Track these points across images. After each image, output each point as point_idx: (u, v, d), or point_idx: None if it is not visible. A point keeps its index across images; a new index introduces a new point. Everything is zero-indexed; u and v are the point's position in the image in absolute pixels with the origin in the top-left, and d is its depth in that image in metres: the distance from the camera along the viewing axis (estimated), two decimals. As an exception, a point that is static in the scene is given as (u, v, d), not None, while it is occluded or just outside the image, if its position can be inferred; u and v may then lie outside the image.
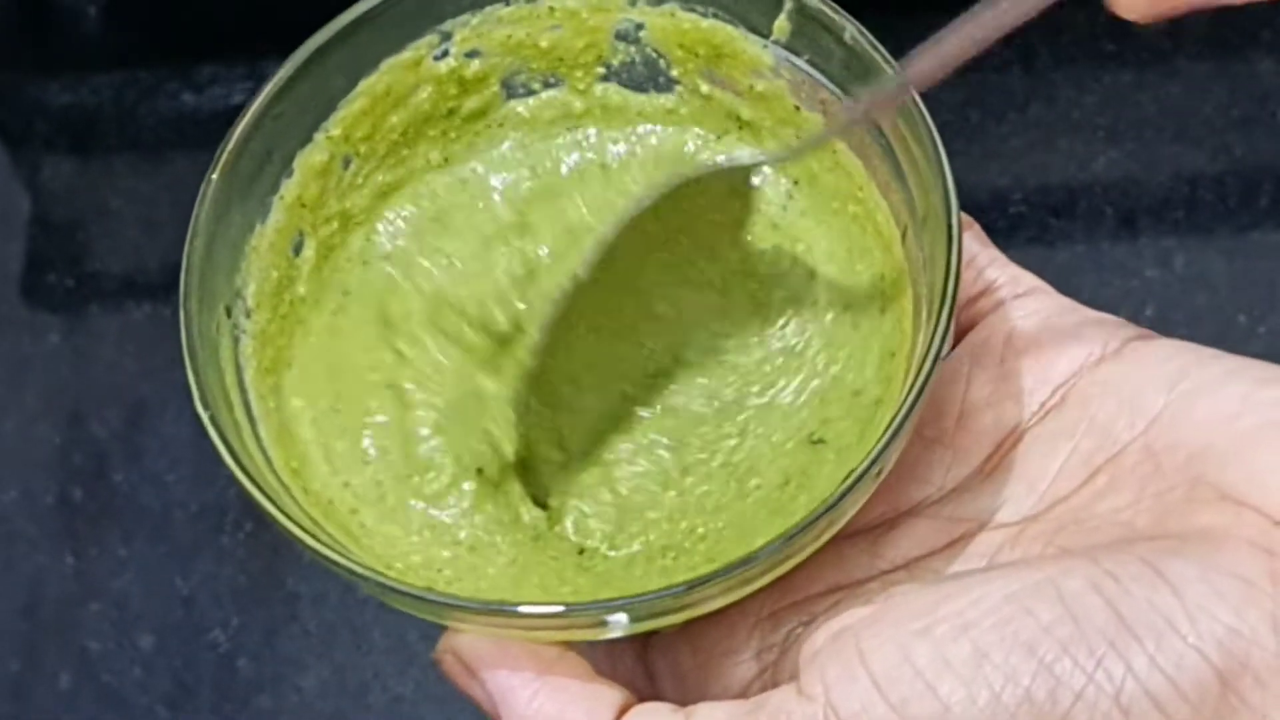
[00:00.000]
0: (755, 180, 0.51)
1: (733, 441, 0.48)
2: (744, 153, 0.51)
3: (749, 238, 0.51)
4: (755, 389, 0.49)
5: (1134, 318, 0.76)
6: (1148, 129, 0.82)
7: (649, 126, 0.53)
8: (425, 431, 0.49)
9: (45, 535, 0.79)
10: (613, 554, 0.47)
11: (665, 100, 0.53)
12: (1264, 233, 0.79)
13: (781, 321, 0.50)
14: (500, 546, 0.48)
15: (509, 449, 0.48)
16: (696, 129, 0.53)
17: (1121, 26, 0.85)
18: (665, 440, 0.49)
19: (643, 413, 0.50)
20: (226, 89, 0.89)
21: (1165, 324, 0.77)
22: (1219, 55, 0.84)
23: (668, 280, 0.51)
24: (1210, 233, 0.79)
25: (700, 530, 0.47)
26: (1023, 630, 0.39)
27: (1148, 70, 0.83)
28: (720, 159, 0.51)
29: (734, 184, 0.51)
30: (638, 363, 0.50)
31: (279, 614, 0.76)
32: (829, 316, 0.49)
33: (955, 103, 0.82)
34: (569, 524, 0.48)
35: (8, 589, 0.78)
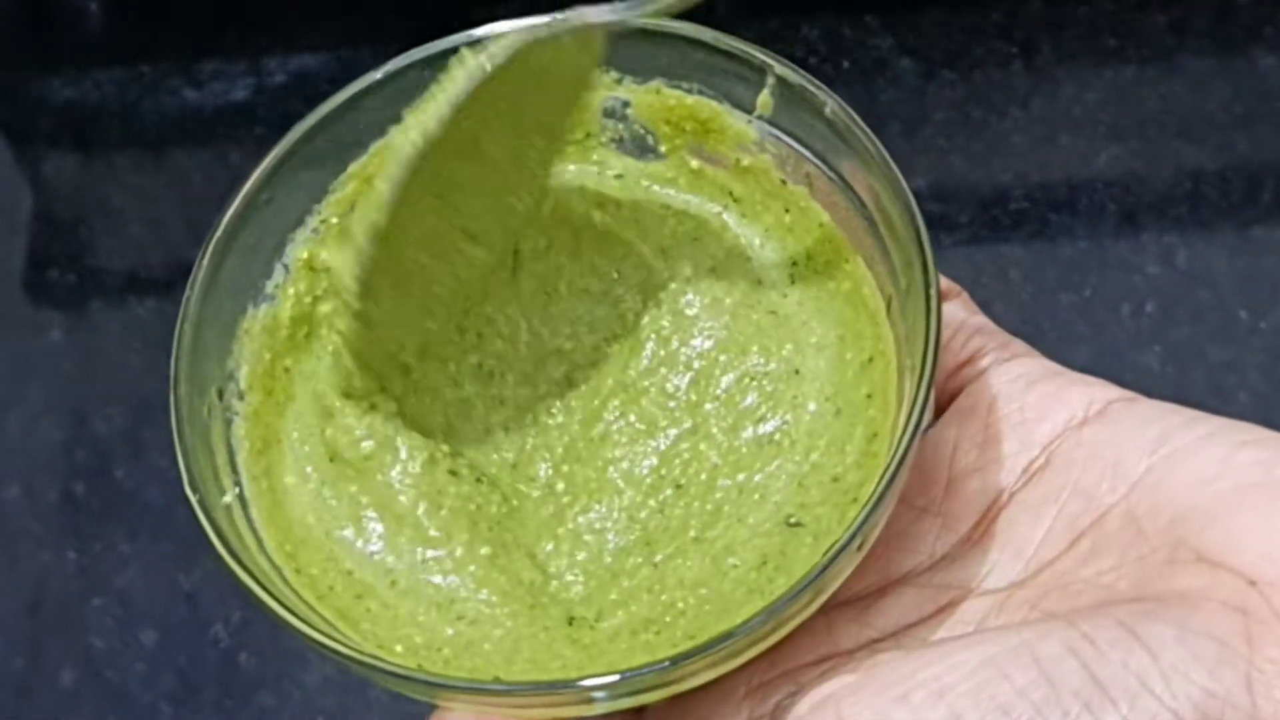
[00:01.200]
0: (756, 263, 0.52)
1: (706, 519, 0.49)
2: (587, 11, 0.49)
3: (741, 330, 0.51)
4: (728, 472, 0.49)
5: (1136, 314, 0.76)
6: (1150, 125, 0.82)
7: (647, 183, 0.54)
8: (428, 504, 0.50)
9: (48, 532, 0.79)
10: (599, 625, 0.47)
11: (659, 167, 0.54)
12: (1266, 229, 0.79)
13: (762, 413, 0.50)
14: (499, 618, 0.48)
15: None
16: (690, 196, 0.54)
17: (1124, 22, 0.86)
18: (638, 514, 0.49)
19: (616, 481, 0.50)
20: (228, 85, 0.89)
21: (1167, 320, 0.77)
22: (1221, 51, 0.84)
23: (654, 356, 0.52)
24: (1212, 229, 0.79)
25: (680, 605, 0.47)
26: (998, 694, 0.39)
27: (1150, 66, 0.83)
28: (565, 15, 0.49)
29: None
30: (609, 429, 0.51)
31: (281, 610, 0.76)
32: (811, 407, 0.49)
33: (957, 99, 0.82)
34: (560, 583, 0.48)
35: (11, 586, 0.78)
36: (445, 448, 0.50)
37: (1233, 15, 0.84)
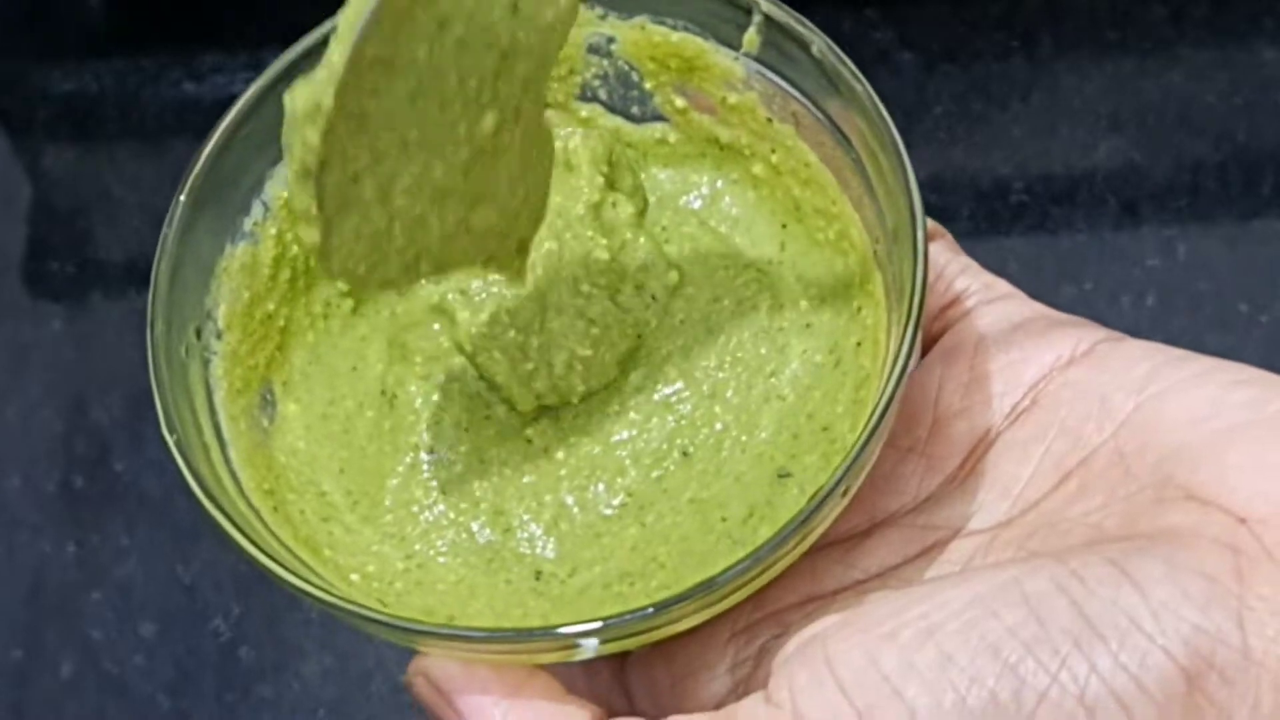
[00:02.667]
0: (750, 224, 0.52)
1: (707, 480, 0.48)
2: None
3: (744, 298, 0.51)
4: (737, 433, 0.49)
5: (1136, 306, 0.76)
6: (1150, 117, 0.82)
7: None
8: (412, 439, 0.50)
9: (47, 523, 0.79)
10: (570, 580, 0.47)
11: (655, 130, 0.54)
12: (1266, 221, 0.79)
13: (773, 368, 0.50)
14: (452, 566, 0.48)
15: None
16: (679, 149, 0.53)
17: (1124, 14, 0.86)
18: (637, 487, 0.49)
19: (617, 451, 0.50)
20: (228, 77, 0.89)
21: (1167, 312, 0.77)
22: (1222, 42, 0.84)
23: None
24: (1212, 221, 0.79)
25: (660, 559, 0.47)
26: (988, 632, 0.39)
27: (1150, 58, 0.83)
28: None
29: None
30: (615, 391, 0.50)
31: (280, 602, 0.76)
32: (818, 360, 0.49)
33: (957, 91, 0.82)
34: (528, 544, 0.48)
35: (10, 576, 0.78)
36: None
37: (1232, 6, 0.84)
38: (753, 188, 0.53)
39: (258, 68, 0.89)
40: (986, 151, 0.81)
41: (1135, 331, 0.75)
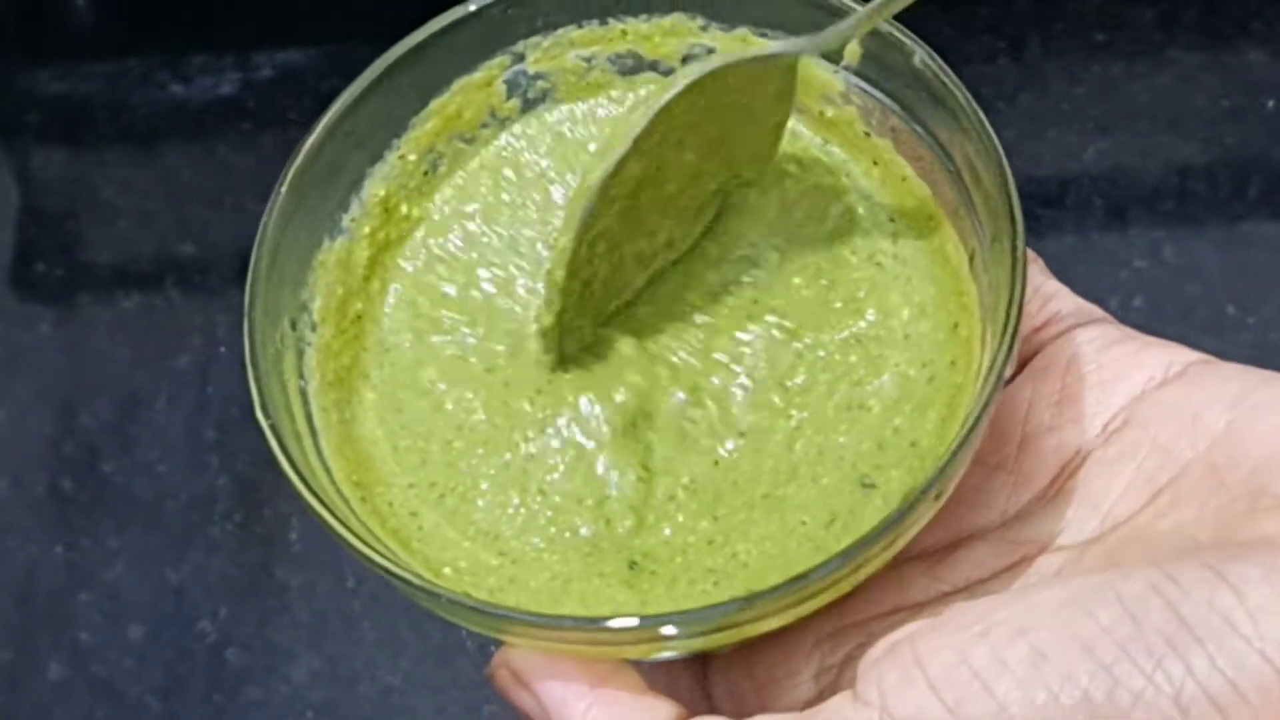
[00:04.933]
0: (865, 223, 0.51)
1: (780, 478, 0.48)
2: (774, 45, 0.50)
3: (863, 282, 0.50)
4: (811, 434, 0.48)
5: (1124, 308, 0.76)
6: (1138, 119, 0.82)
7: None
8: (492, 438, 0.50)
9: (36, 526, 0.79)
10: (657, 572, 0.47)
11: None
12: (1254, 223, 0.79)
13: (860, 376, 0.49)
14: (548, 561, 0.47)
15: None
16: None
17: (1112, 17, 0.86)
18: (709, 470, 0.49)
19: (694, 437, 0.49)
20: (216, 79, 0.89)
21: (1155, 315, 0.77)
22: (1210, 46, 0.84)
23: (745, 315, 0.51)
24: (1201, 223, 0.80)
25: (742, 558, 0.47)
26: (1081, 631, 0.38)
27: (1138, 61, 0.84)
28: (752, 52, 0.49)
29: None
30: (699, 387, 0.50)
31: (269, 605, 0.76)
32: (911, 373, 0.49)
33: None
34: (623, 528, 0.48)
35: (-2, 579, 0.78)
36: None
37: (1221, 9, 0.84)
38: (863, 184, 0.52)
39: (246, 69, 0.89)
40: (975, 154, 0.81)
41: (1123, 334, 0.75)
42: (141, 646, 0.76)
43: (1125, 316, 0.76)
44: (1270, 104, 0.82)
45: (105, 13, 0.93)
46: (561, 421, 0.49)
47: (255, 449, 0.79)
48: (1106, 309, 0.76)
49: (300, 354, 0.49)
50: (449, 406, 0.50)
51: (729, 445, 0.49)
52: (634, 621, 0.42)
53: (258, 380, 0.46)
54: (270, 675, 0.74)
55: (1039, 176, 0.81)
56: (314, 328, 0.50)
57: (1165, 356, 0.46)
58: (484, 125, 0.53)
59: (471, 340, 0.51)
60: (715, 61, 0.48)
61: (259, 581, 0.76)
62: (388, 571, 0.43)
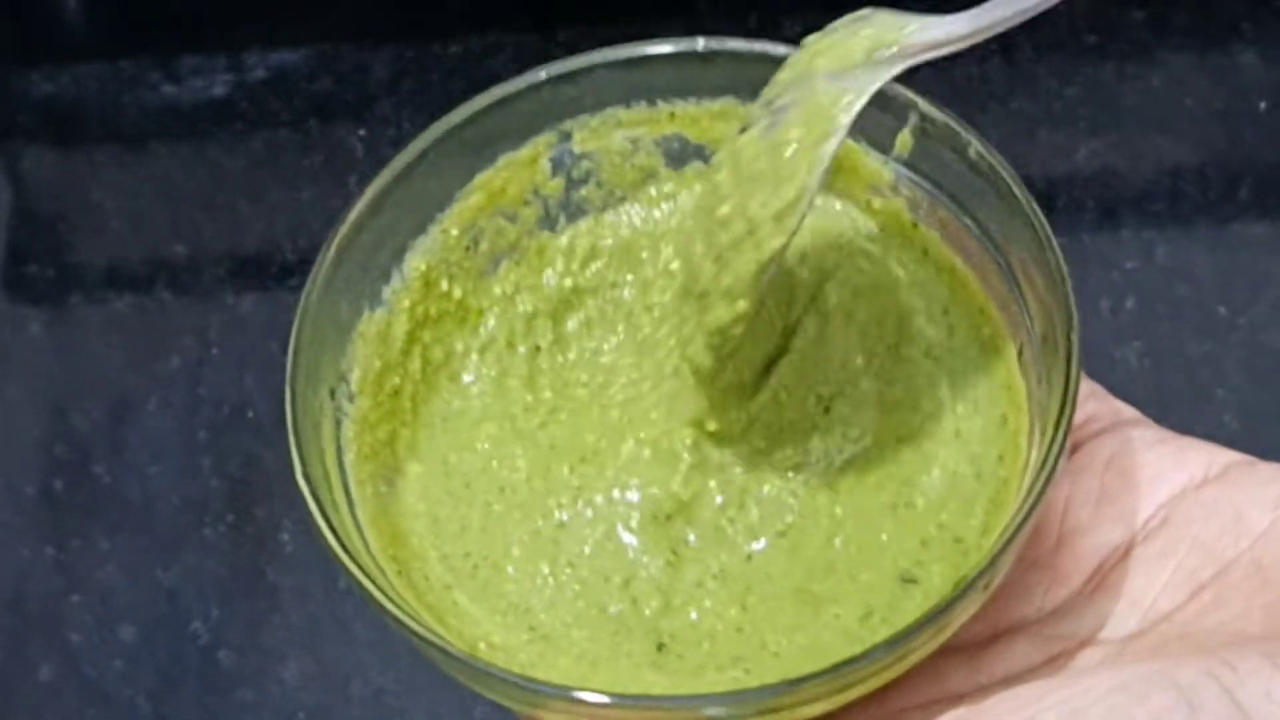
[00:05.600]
0: (920, 318, 0.51)
1: (816, 574, 0.48)
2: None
3: (919, 375, 0.50)
4: (852, 531, 0.48)
5: (1116, 310, 0.76)
6: (1129, 121, 0.82)
7: None
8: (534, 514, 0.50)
9: (27, 527, 0.79)
10: (685, 656, 0.47)
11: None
12: (1245, 225, 0.79)
13: (909, 474, 0.49)
14: (576, 639, 0.47)
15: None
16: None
17: (1103, 18, 0.86)
18: (741, 562, 0.48)
19: (729, 536, 0.49)
20: (208, 80, 0.89)
21: (1147, 315, 0.77)
22: (1200, 47, 0.84)
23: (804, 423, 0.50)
24: (1192, 225, 0.80)
25: (772, 647, 0.46)
26: (1134, 717, 0.38)
27: (1129, 62, 0.84)
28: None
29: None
30: (746, 492, 0.50)
31: (261, 606, 0.75)
32: (959, 471, 0.48)
33: (937, 95, 0.82)
34: (650, 610, 0.48)
35: (-11, 581, 0.78)
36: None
37: (1211, 11, 0.85)
38: (922, 273, 0.52)
39: (237, 70, 0.89)
40: (966, 155, 0.81)
41: (1115, 335, 0.76)
42: (133, 648, 0.76)
43: (1117, 317, 0.76)
44: (1261, 105, 0.82)
45: (96, 13, 0.93)
46: (598, 497, 0.49)
47: (247, 451, 0.79)
48: (1098, 311, 0.77)
49: (338, 424, 0.49)
50: (494, 464, 0.50)
51: (762, 544, 0.48)
52: (681, 700, 0.42)
53: (299, 445, 0.46)
54: (262, 677, 0.74)
55: (1030, 177, 0.80)
56: (352, 398, 0.50)
57: (1205, 457, 0.46)
58: (526, 203, 0.53)
59: (529, 398, 0.52)
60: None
61: (251, 583, 0.76)
62: (429, 643, 0.43)
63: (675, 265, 0.52)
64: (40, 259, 0.86)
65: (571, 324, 0.53)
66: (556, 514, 0.49)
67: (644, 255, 0.53)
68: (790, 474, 0.49)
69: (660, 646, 0.47)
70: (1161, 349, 0.76)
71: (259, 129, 0.87)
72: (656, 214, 0.54)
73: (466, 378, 0.52)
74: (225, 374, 0.81)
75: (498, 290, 0.53)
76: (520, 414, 0.51)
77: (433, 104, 0.86)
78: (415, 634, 0.43)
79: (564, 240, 0.53)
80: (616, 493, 0.49)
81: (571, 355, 0.52)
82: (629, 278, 0.53)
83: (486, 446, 0.51)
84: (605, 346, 0.52)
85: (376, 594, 0.43)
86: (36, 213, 0.88)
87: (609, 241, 0.54)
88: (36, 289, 0.86)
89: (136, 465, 0.80)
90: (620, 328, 0.53)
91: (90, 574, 0.77)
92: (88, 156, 0.90)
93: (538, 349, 0.52)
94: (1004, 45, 0.84)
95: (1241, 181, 0.80)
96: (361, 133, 0.86)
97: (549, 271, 0.53)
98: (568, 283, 0.53)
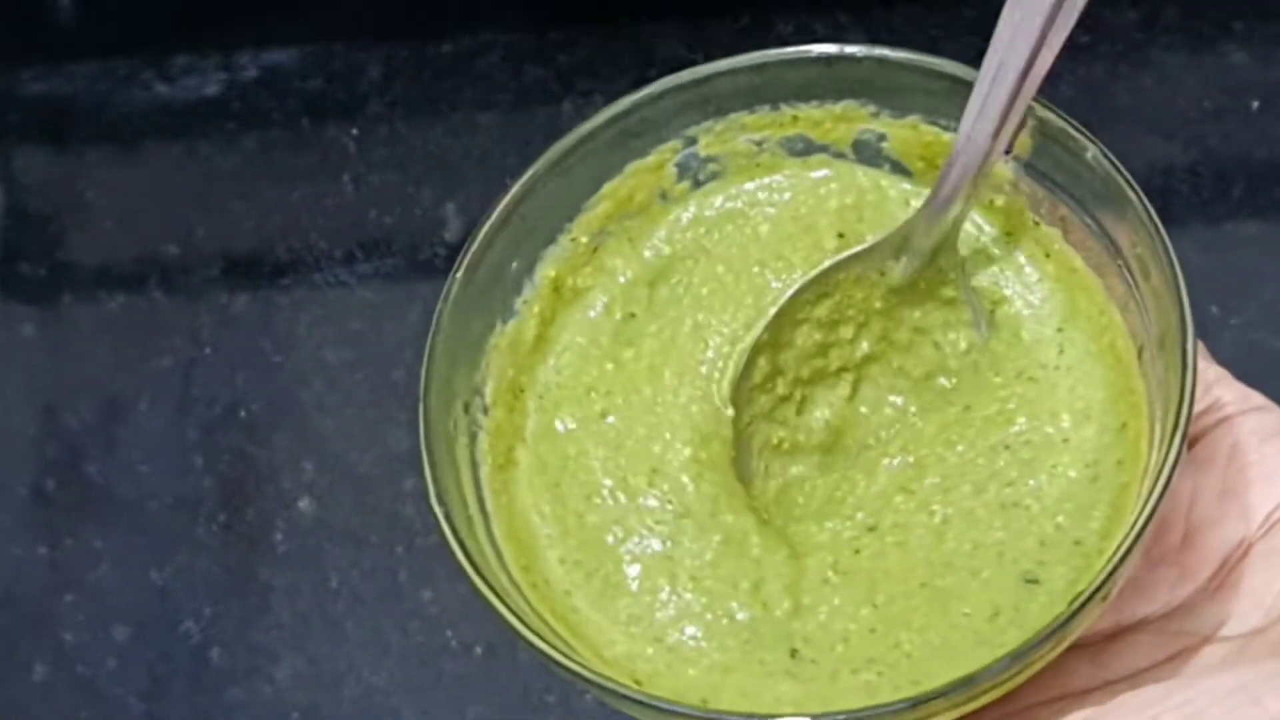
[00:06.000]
0: (1025, 334, 0.51)
1: (936, 570, 0.48)
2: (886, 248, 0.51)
3: (1011, 397, 0.50)
4: (960, 529, 0.49)
5: (1107, 309, 0.76)
6: (1121, 120, 0.82)
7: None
8: (650, 524, 0.50)
9: (19, 527, 0.79)
10: (819, 661, 0.47)
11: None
12: (1237, 224, 0.79)
13: (1012, 478, 0.49)
14: (706, 649, 0.47)
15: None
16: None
17: (1095, 17, 0.86)
18: (861, 557, 0.49)
19: (845, 525, 0.50)
20: (200, 79, 0.89)
21: (1138, 315, 0.77)
22: (1192, 47, 0.84)
23: (921, 434, 0.51)
24: (1184, 224, 0.80)
25: (905, 647, 0.47)
26: (1253, 718, 0.39)
27: (1121, 62, 0.84)
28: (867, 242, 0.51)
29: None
30: (856, 489, 0.51)
31: (253, 605, 0.76)
32: (1072, 474, 0.48)
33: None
34: (782, 613, 0.48)
35: (-19, 581, 0.78)
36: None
37: (1203, 11, 0.85)
38: (1028, 287, 0.52)
39: (230, 69, 0.89)
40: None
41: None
42: (125, 647, 0.76)
43: (1108, 317, 0.76)
44: (1253, 105, 0.82)
45: (89, 12, 0.93)
46: (690, 511, 0.50)
47: (239, 450, 0.79)
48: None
49: (473, 437, 0.50)
50: (573, 464, 0.51)
51: (866, 538, 0.49)
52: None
53: (434, 469, 0.46)
54: (254, 676, 0.74)
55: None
56: (486, 410, 0.50)
57: None
58: (652, 204, 0.54)
59: (621, 403, 0.52)
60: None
61: (243, 582, 0.76)
62: (553, 661, 0.43)
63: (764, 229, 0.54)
64: (32, 258, 0.86)
65: (664, 290, 0.54)
66: (656, 530, 0.50)
67: (741, 221, 0.54)
68: (877, 475, 0.50)
69: (794, 652, 0.47)
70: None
71: (251, 128, 0.87)
72: (767, 186, 0.55)
73: (560, 351, 0.53)
74: (217, 373, 0.81)
75: (608, 265, 0.54)
76: (584, 396, 0.52)
77: (425, 103, 0.86)
78: (549, 658, 0.43)
79: (673, 212, 0.55)
80: (706, 503, 0.50)
81: (653, 325, 0.53)
82: (718, 238, 0.54)
83: (564, 437, 0.51)
84: (687, 312, 0.53)
85: (506, 613, 0.44)
86: (29, 212, 0.88)
87: (712, 211, 0.55)
88: (29, 288, 0.86)
89: (129, 464, 0.80)
90: (705, 291, 0.53)
91: (83, 573, 0.77)
92: (80, 155, 0.89)
93: (632, 315, 0.53)
94: (996, 44, 0.84)
95: (1233, 181, 0.80)
96: (354, 132, 0.86)
97: (652, 241, 0.54)
98: (666, 250, 0.54)
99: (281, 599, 0.76)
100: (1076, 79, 0.83)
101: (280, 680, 0.74)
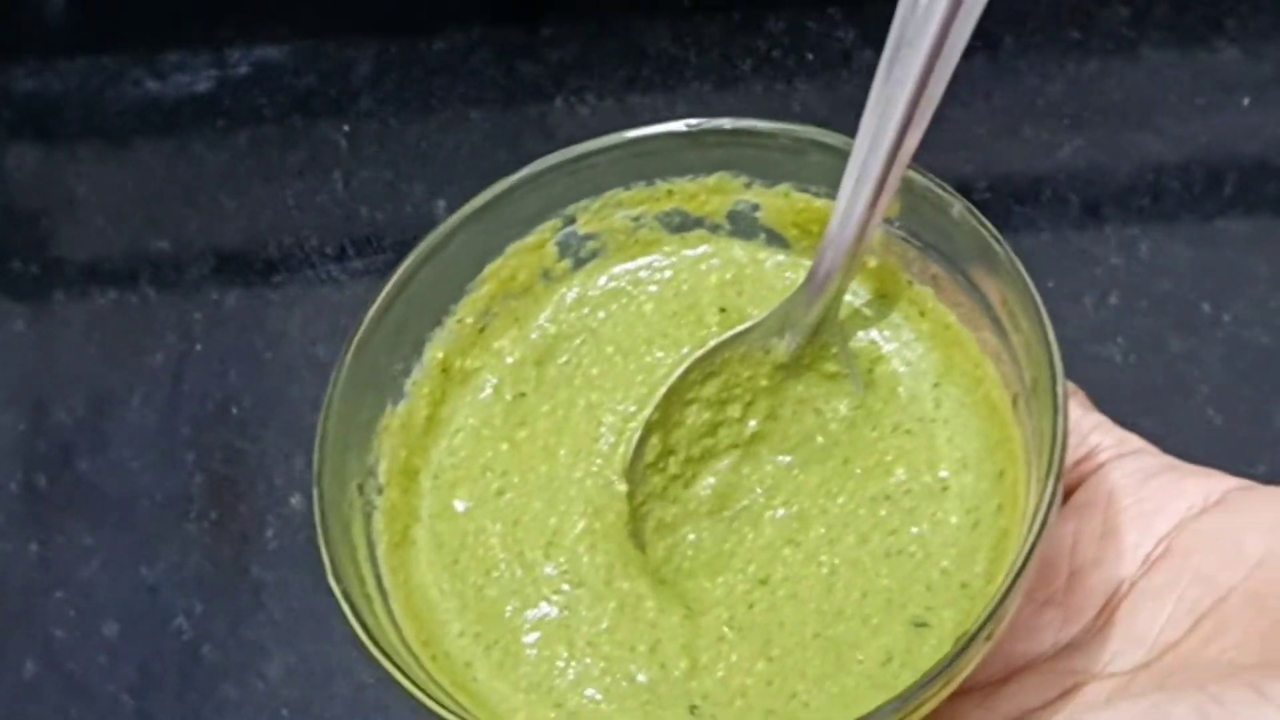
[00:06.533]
0: (901, 390, 0.52)
1: (826, 620, 0.49)
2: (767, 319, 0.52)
3: (889, 450, 0.51)
4: (848, 578, 0.50)
5: (1099, 305, 0.76)
6: (1112, 117, 0.82)
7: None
8: (546, 591, 0.51)
9: (10, 523, 0.79)
10: (717, 715, 0.48)
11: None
12: (1228, 221, 0.80)
13: (894, 526, 0.50)
14: (607, 712, 0.48)
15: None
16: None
17: (1086, 14, 0.86)
18: (752, 612, 0.50)
19: (737, 579, 0.50)
20: (191, 76, 0.89)
21: (1130, 311, 0.77)
22: (1183, 43, 0.84)
23: (800, 492, 0.52)
24: (1174, 221, 0.80)
25: (802, 697, 0.48)
26: None
27: (1112, 58, 0.84)
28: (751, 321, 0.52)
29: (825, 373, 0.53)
30: (745, 542, 0.51)
31: (244, 602, 0.75)
32: (953, 521, 0.50)
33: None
34: (679, 673, 0.49)
35: (-28, 577, 0.78)
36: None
37: (1193, 7, 0.85)
38: (903, 344, 0.53)
39: (220, 66, 0.89)
40: (949, 151, 0.81)
41: (1097, 331, 0.76)
42: (116, 644, 0.76)
43: (1100, 313, 0.76)
44: (1244, 101, 0.82)
45: (79, 9, 0.93)
46: (586, 579, 0.51)
47: (230, 447, 0.79)
48: (1081, 306, 0.77)
49: (368, 517, 0.50)
50: (471, 539, 0.52)
51: (758, 592, 0.50)
52: None
53: (329, 548, 0.47)
54: (245, 673, 0.74)
55: (1013, 173, 0.81)
56: (380, 490, 0.51)
57: (1204, 485, 0.47)
58: (535, 284, 0.55)
59: (517, 481, 0.53)
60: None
61: (233, 579, 0.76)
62: None
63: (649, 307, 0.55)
64: (23, 255, 0.86)
65: (552, 370, 0.54)
66: (553, 600, 0.50)
67: (625, 300, 0.55)
68: (764, 528, 0.51)
69: (693, 709, 0.48)
70: (1144, 345, 0.76)
71: (242, 125, 0.87)
72: (647, 265, 0.56)
73: (453, 433, 0.54)
74: (208, 370, 0.81)
75: (495, 346, 0.54)
76: (480, 475, 0.53)
77: (416, 100, 0.86)
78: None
79: (557, 292, 0.55)
80: (600, 572, 0.51)
81: (545, 405, 0.54)
82: (604, 317, 0.55)
83: (462, 516, 0.52)
84: (579, 392, 0.54)
85: (410, 686, 0.45)
86: (19, 208, 0.88)
87: (596, 291, 0.55)
88: (19, 285, 0.86)
89: (119, 461, 0.79)
90: (595, 371, 0.54)
91: (73, 570, 0.77)
92: (70, 152, 0.89)
93: (522, 395, 0.54)
94: (987, 41, 0.84)
95: (1224, 177, 0.80)
96: (345, 128, 0.86)
97: (538, 322, 0.55)
98: (552, 329, 0.55)
99: (273, 595, 0.76)
100: (1067, 76, 0.83)
101: (271, 677, 0.74)
